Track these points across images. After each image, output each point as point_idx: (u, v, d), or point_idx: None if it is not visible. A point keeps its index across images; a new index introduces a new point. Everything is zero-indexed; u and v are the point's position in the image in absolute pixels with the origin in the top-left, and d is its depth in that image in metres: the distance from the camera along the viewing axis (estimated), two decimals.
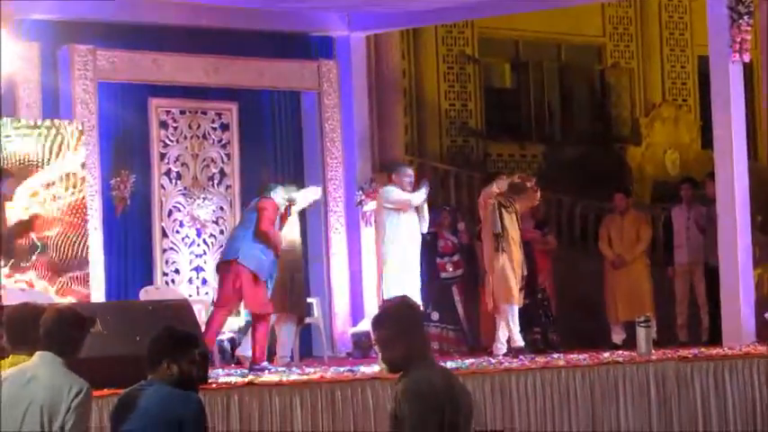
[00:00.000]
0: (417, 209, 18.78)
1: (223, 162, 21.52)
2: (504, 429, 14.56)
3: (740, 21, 19.74)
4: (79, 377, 9.38)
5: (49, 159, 18.56)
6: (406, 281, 18.74)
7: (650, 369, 16.68)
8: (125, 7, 19.63)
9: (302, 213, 20.44)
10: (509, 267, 19.37)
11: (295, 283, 18.55)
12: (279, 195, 18.15)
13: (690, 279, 21.40)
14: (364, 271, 21.29)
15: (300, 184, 21.32)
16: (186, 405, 9.54)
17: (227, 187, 20.65)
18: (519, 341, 18.94)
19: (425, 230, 19.30)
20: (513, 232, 19.46)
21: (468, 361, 18.13)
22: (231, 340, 18.44)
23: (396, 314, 9.05)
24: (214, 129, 21.61)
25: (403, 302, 10.07)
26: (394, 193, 18.79)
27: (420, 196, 18.64)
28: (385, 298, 18.23)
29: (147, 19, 20.24)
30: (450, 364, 17.01)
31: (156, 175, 20.56)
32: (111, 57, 20.35)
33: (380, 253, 19.31)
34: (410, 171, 19.41)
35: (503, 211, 19.53)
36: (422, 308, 13.77)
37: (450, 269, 20.80)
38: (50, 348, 9.46)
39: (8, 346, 10.35)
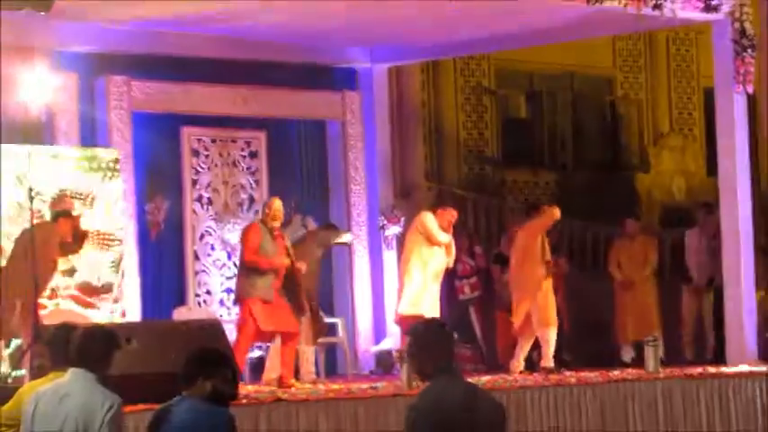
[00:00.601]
0: (447, 246, 18.97)
1: (252, 188, 21.58)
2: None
3: (744, 54, 19.85)
4: (111, 392, 9.51)
5: (85, 186, 18.75)
6: (426, 303, 18.94)
7: (658, 386, 16.81)
8: (159, 40, 19.69)
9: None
10: (551, 292, 19.66)
11: (311, 307, 18.60)
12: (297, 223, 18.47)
13: (699, 299, 21.49)
14: (386, 292, 21.33)
15: (326, 209, 21.65)
16: (218, 420, 9.69)
17: (256, 212, 20.46)
18: (551, 362, 19.12)
19: (451, 265, 19.46)
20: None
21: (485, 378, 18.27)
22: (260, 358, 18.53)
23: (423, 331, 9.17)
24: (243, 156, 21.68)
25: (432, 322, 10.34)
26: (432, 222, 18.87)
27: (447, 238, 18.80)
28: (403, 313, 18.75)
29: (179, 51, 20.28)
30: (480, 377, 17.88)
31: (189, 201, 20.61)
32: (146, 87, 20.42)
33: (404, 273, 19.39)
34: (455, 213, 19.50)
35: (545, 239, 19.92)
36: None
37: (468, 291, 20.88)
38: (82, 365, 9.57)
39: (49, 363, 10.55)
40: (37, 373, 12.68)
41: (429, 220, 18.88)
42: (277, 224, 17.40)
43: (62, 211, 16.82)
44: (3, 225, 16.32)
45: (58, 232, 16.53)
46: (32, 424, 10.01)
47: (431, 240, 18.45)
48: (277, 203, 17.62)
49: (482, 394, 9.29)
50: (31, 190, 15.87)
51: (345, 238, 19.31)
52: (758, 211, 20.38)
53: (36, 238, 15.78)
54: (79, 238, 17.14)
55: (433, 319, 14.19)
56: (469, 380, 12.47)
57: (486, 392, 10.42)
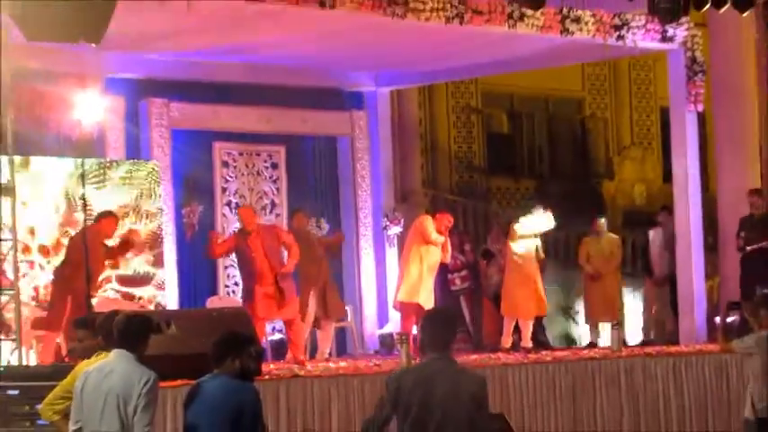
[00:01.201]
0: (443, 245, 18.92)
1: (273, 194, 21.58)
2: (502, 412, 14.66)
3: (695, 78, 19.86)
4: (148, 369, 9.63)
5: (130, 194, 18.79)
6: (423, 293, 18.91)
7: (620, 363, 16.76)
8: (193, 67, 19.70)
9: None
10: (540, 285, 19.86)
11: (327, 294, 18.70)
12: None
13: (659, 289, 21.53)
14: (388, 283, 21.29)
15: (336, 212, 21.71)
16: (245, 393, 9.70)
17: (277, 215, 20.67)
18: (530, 342, 19.32)
19: (447, 261, 19.44)
20: None
21: (474, 356, 18.31)
22: (281, 340, 18.49)
23: (431, 317, 9.96)
24: (266, 167, 21.67)
25: (442, 310, 10.51)
26: (429, 226, 18.78)
27: (441, 239, 18.73)
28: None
29: (210, 77, 20.27)
30: (458, 359, 17.46)
31: (219, 206, 20.60)
32: (182, 108, 20.37)
33: (404, 267, 19.37)
34: (451, 219, 19.44)
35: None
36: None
37: (459, 282, 20.84)
38: (124, 346, 9.72)
39: (103, 344, 10.53)
40: (69, 355, 12.68)
41: (427, 223, 18.86)
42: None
43: (105, 212, 16.73)
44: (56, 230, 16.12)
45: (102, 232, 16.46)
46: (82, 397, 10.01)
47: (427, 240, 18.39)
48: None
49: (465, 371, 9.75)
50: (83, 197, 15.81)
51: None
52: (706, 213, 20.33)
53: (86, 239, 15.74)
54: (124, 245, 17.04)
55: (445, 308, 14.31)
56: (457, 359, 12.56)
57: (470, 369, 10.58)
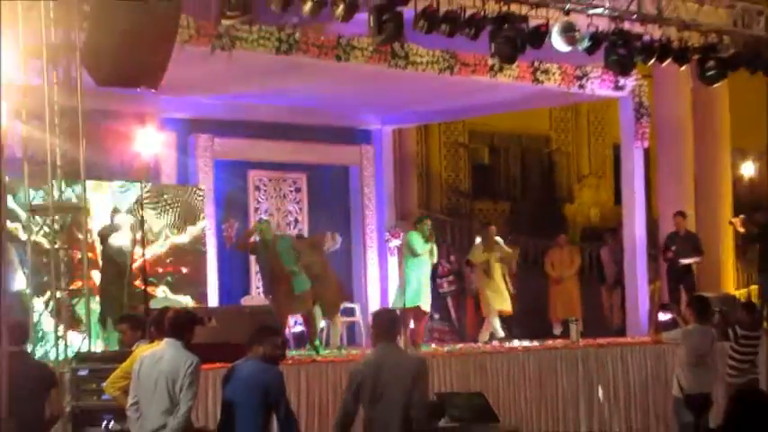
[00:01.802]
0: (431, 249, 18.76)
1: (297, 213, 21.63)
2: (481, 391, 14.64)
3: (642, 119, 19.94)
4: (192, 354, 9.80)
5: (180, 212, 18.84)
6: (423, 298, 18.88)
7: (578, 352, 16.75)
8: (231, 108, 19.72)
9: (347, 248, 21.03)
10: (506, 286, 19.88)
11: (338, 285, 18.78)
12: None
13: (611, 292, 21.70)
14: (389, 285, 21.30)
15: (348, 228, 21.75)
16: (271, 374, 9.90)
17: (300, 230, 20.62)
18: (502, 333, 19.18)
19: (435, 261, 19.26)
20: None
21: (458, 346, 18.49)
22: (302, 332, 18.44)
23: (378, 315, 10.90)
24: (291, 191, 21.70)
25: (387, 310, 10.75)
26: (415, 243, 18.45)
27: (426, 248, 18.43)
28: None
29: (246, 117, 20.29)
30: (445, 348, 17.84)
31: (252, 222, 20.51)
32: (223, 143, 20.42)
33: (403, 278, 19.14)
34: (429, 222, 18.93)
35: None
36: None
37: (446, 286, 20.93)
38: (173, 336, 9.88)
39: (157, 334, 10.56)
40: (119, 345, 12.73)
41: (413, 239, 18.48)
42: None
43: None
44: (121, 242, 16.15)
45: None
46: (138, 377, 10.08)
47: (415, 254, 18.33)
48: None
49: (407, 355, 10.66)
50: (141, 216, 15.78)
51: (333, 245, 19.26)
52: (649, 231, 20.41)
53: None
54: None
55: (389, 309, 14.47)
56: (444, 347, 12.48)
57: (411, 354, 11.80)
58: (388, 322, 10.27)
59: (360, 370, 9.74)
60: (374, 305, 20.91)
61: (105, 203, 17.09)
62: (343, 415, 9.84)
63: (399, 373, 9.48)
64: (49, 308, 10.89)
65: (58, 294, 10.87)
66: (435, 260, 19.06)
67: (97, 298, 14.85)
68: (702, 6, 16.04)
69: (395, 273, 21.03)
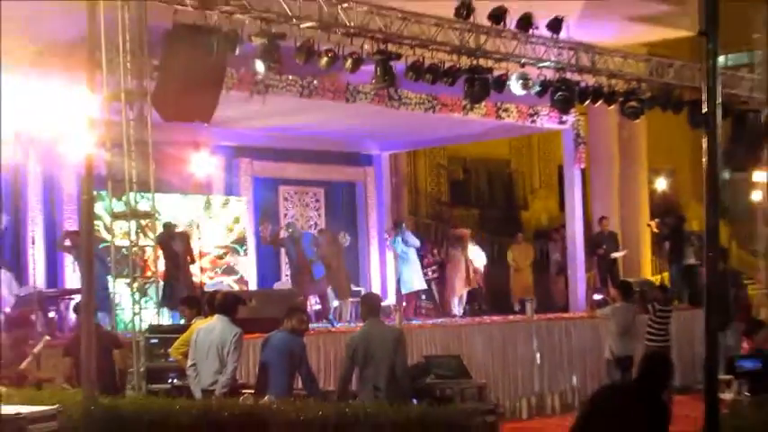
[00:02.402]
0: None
1: (316, 219, 21.61)
2: (459, 355, 14.60)
3: (579, 147, 19.94)
4: (237, 326, 9.98)
5: (226, 217, 18.91)
6: (417, 282, 19.08)
7: (533, 325, 16.68)
8: (267, 137, 19.81)
9: (354, 245, 21.14)
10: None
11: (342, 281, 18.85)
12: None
13: (558, 278, 21.53)
14: (387, 275, 21.33)
15: (355, 230, 21.71)
16: (296, 344, 10.07)
17: (320, 231, 20.26)
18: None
19: (418, 245, 19.71)
20: None
21: (440, 320, 18.47)
22: (319, 309, 18.41)
23: (365, 297, 11.60)
24: (312, 201, 21.74)
25: (369, 293, 10.96)
26: (396, 246, 19.45)
27: (403, 248, 19.25)
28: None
29: (277, 144, 20.37)
30: (430, 322, 17.87)
31: (282, 225, 20.41)
32: (260, 165, 20.54)
33: (398, 269, 19.73)
34: (404, 225, 20.19)
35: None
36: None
37: (430, 274, 20.74)
38: (222, 312, 10.07)
39: (210, 312, 10.58)
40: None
41: (394, 245, 19.73)
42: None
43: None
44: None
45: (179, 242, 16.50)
46: (195, 345, 10.10)
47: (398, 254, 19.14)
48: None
49: (387, 327, 10.79)
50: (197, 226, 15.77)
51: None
52: (586, 232, 20.38)
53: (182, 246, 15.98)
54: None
55: (373, 293, 14.63)
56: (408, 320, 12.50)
57: (390, 326, 11.90)
58: (373, 303, 10.57)
59: (354, 340, 9.94)
60: (375, 288, 20.92)
61: (169, 211, 17.09)
62: (344, 374, 10.07)
63: (383, 342, 9.69)
64: (128, 291, 10.90)
65: (135, 281, 10.88)
66: (418, 244, 19.72)
67: (162, 283, 14.82)
68: (626, 60, 16.06)
69: (391, 263, 21.13)
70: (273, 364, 9.98)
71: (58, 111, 12.92)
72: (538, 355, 16.31)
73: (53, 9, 12.65)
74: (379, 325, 10.10)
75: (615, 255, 20.32)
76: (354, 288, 19.74)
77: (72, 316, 14.93)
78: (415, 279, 19.47)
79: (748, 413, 6.39)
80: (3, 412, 5.76)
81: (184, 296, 13.82)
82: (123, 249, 11.54)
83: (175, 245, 16.13)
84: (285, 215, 21.12)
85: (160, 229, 14.30)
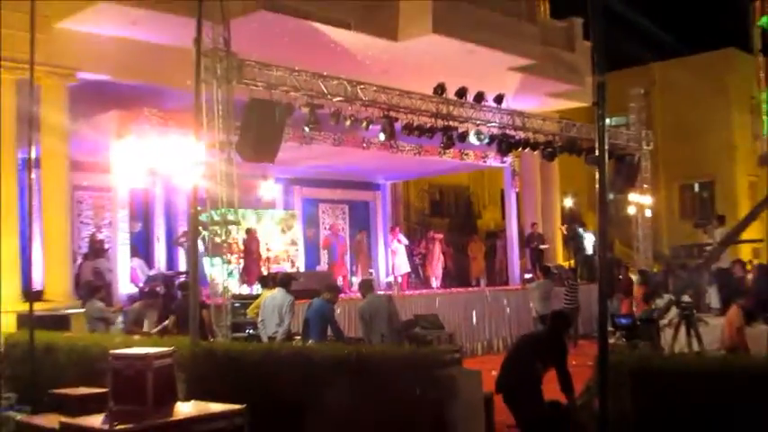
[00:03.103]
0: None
1: (343, 225, 21.46)
2: (436, 314, 14.54)
3: (514, 177, 20.13)
4: (291, 295, 10.03)
5: (282, 225, 18.60)
6: (403, 266, 18.91)
7: (485, 295, 16.61)
8: (311, 171, 19.71)
9: (368, 242, 20.94)
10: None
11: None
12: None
13: (501, 263, 21.30)
14: (388, 264, 20.95)
15: (369, 233, 21.50)
16: (328, 308, 10.05)
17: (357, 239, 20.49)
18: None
19: (407, 243, 19.74)
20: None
21: (424, 291, 18.09)
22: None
23: (362, 282, 11.29)
24: (340, 215, 21.67)
25: (365, 279, 11.10)
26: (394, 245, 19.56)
27: (397, 246, 19.48)
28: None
29: (317, 176, 20.28)
30: (417, 293, 17.32)
31: (321, 230, 20.57)
32: (306, 190, 20.63)
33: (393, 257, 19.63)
34: (398, 229, 20.49)
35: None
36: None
37: (417, 260, 20.73)
38: (282, 286, 10.11)
39: (273, 285, 10.58)
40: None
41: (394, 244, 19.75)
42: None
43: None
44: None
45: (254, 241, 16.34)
46: (263, 307, 10.10)
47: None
48: None
49: (380, 296, 10.57)
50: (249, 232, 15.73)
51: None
52: (520, 232, 20.25)
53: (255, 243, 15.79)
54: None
55: (368, 278, 14.77)
56: (401, 291, 12.42)
57: (382, 294, 11.39)
58: (369, 284, 10.86)
59: (362, 308, 10.15)
60: (382, 272, 20.86)
61: (248, 220, 17.13)
62: (363, 330, 10.08)
63: (380, 306, 9.81)
64: (220, 272, 10.83)
65: (225, 265, 10.83)
66: (407, 242, 19.91)
67: (241, 267, 14.84)
68: (545, 121, 16.10)
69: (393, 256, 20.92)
70: (313, 321, 9.98)
71: (175, 154, 12.97)
72: (488, 314, 16.15)
73: (174, 90, 12.76)
74: (375, 296, 10.24)
75: (542, 247, 20.10)
76: (370, 270, 19.72)
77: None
78: (403, 265, 19.47)
79: (624, 351, 6.38)
80: (138, 352, 5.71)
81: (260, 276, 13.98)
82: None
83: (252, 242, 16.15)
84: (323, 223, 21.10)
85: (243, 233, 14.32)
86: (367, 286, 10.52)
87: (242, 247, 14.96)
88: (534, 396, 6.76)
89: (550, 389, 7.04)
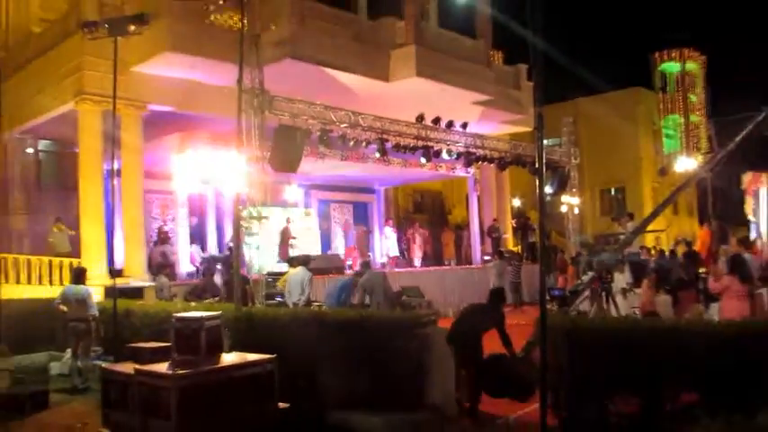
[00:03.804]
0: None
1: (350, 220, 21.22)
2: (417, 286, 14.47)
3: (476, 185, 19.71)
4: (309, 272, 9.73)
5: (305, 222, 18.20)
6: (392, 251, 18.77)
7: (459, 272, 16.56)
8: (325, 180, 19.35)
9: (368, 232, 20.47)
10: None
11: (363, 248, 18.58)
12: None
13: (467, 247, 21.04)
14: (383, 250, 20.69)
15: (368, 225, 21.17)
16: (347, 280, 9.73)
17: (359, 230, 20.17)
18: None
19: (396, 234, 19.45)
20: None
21: (409, 269, 17.80)
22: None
23: (363, 263, 10.80)
24: (347, 212, 21.35)
25: (365, 260, 10.97)
26: (389, 232, 19.01)
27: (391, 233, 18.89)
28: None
29: (329, 183, 19.89)
30: (404, 270, 16.96)
31: (333, 225, 20.29)
32: (321, 193, 20.49)
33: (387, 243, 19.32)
34: (391, 222, 19.80)
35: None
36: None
37: (403, 246, 20.36)
38: (302, 265, 9.81)
39: (297, 264, 10.39)
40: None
41: (387, 231, 19.16)
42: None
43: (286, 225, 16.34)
44: (278, 236, 15.73)
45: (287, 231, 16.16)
46: (289, 281, 9.96)
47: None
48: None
49: (377, 272, 10.33)
50: (288, 220, 15.58)
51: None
52: (481, 225, 20.00)
53: (287, 234, 15.61)
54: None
55: (367, 259, 13.94)
56: (393, 269, 12.30)
57: (378, 271, 11.12)
58: (368, 263, 10.81)
59: (363, 282, 9.97)
60: (377, 255, 20.69)
61: (277, 216, 16.94)
62: (360, 299, 9.87)
63: (377, 280, 9.69)
64: (256, 254, 10.75)
65: (257, 247, 10.76)
66: (396, 234, 19.30)
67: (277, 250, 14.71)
68: (499, 142, 16.04)
69: (385, 243, 20.58)
70: (331, 294, 9.97)
71: (222, 166, 12.89)
72: (456, 286, 16.00)
73: (221, 117, 12.68)
74: (373, 273, 10.13)
75: (504, 236, 19.70)
76: (369, 254, 19.49)
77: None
78: (393, 249, 19.24)
79: (556, 316, 6.36)
80: (194, 315, 5.68)
81: (287, 258, 13.78)
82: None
83: (286, 232, 16.08)
84: (333, 218, 20.87)
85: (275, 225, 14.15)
86: (366, 264, 10.48)
87: (279, 237, 14.96)
88: (476, 348, 6.62)
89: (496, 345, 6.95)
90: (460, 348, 6.49)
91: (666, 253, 15.09)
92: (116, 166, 9.01)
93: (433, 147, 14.19)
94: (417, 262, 19.59)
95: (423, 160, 14.47)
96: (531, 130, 18.84)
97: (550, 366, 4.55)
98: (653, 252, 16.69)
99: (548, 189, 17.33)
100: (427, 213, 25.76)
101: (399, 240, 20.11)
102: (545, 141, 4.11)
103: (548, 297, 11.14)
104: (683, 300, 8.72)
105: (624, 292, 10.64)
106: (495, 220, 20.13)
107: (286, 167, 11.46)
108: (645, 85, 30.24)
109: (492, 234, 19.81)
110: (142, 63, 12.39)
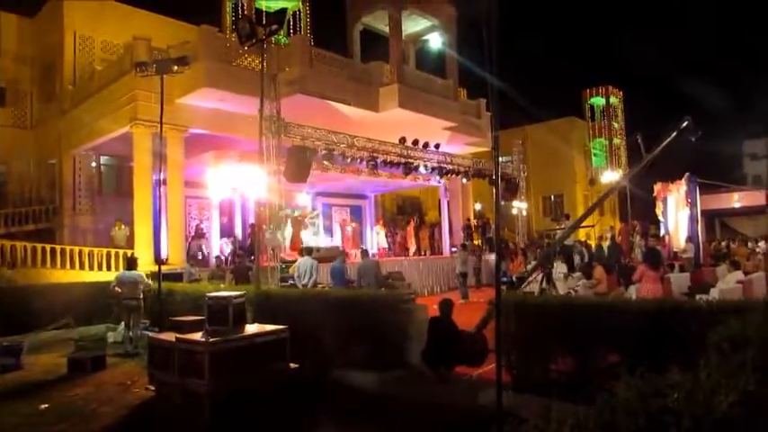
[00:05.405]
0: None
1: (348, 220, 20.63)
2: (401, 271, 14.34)
3: (446, 192, 19.32)
4: (314, 260, 9.31)
5: (312, 221, 17.61)
6: (381, 243, 18.53)
7: (431, 260, 16.30)
8: (327, 186, 19.03)
9: (362, 229, 19.97)
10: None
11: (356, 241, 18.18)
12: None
13: (438, 240, 20.70)
14: (375, 243, 20.45)
15: (361, 223, 20.76)
16: (343, 267, 9.33)
17: (352, 228, 19.52)
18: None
19: (384, 231, 19.03)
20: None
21: (400, 258, 17.63)
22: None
23: (362, 251, 10.14)
24: (345, 213, 20.78)
25: (363, 249, 10.69)
26: (378, 228, 18.58)
27: (379, 229, 18.46)
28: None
29: (331, 190, 19.59)
30: (391, 259, 16.57)
31: (334, 223, 20.09)
32: (325, 198, 19.78)
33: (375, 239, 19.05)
34: (381, 221, 19.14)
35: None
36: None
37: (389, 240, 20.12)
38: (308, 254, 9.48)
39: (306, 254, 9.94)
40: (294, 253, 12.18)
41: (377, 228, 18.77)
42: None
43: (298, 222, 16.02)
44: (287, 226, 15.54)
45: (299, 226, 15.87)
46: (298, 268, 9.75)
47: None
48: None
49: (370, 260, 9.60)
50: (299, 218, 15.29)
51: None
52: (450, 225, 19.74)
53: (298, 228, 15.44)
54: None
55: (365, 249, 13.40)
56: (380, 258, 12.18)
57: (372, 259, 10.25)
58: (366, 251, 10.31)
59: (359, 268, 9.52)
60: (369, 245, 20.47)
61: (289, 216, 16.68)
62: (357, 282, 9.51)
63: (370, 267, 9.38)
64: (279, 244, 10.53)
65: (279, 241, 10.60)
66: (384, 231, 18.88)
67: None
68: (464, 158, 15.96)
69: (375, 238, 20.29)
70: (334, 274, 9.85)
71: (247, 178, 12.77)
72: (431, 271, 15.85)
73: (247, 139, 12.58)
74: (367, 260, 9.90)
75: (481, 228, 19.40)
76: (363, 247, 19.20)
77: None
78: (382, 242, 19.08)
79: (508, 294, 6.35)
80: (223, 294, 5.61)
81: (301, 248, 13.56)
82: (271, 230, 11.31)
83: (296, 227, 15.90)
84: (334, 218, 20.48)
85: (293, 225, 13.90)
86: (363, 253, 10.34)
87: (292, 230, 14.79)
88: (455, 338, 6.47)
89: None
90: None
91: (593, 246, 15.17)
92: (162, 177, 8.97)
93: (412, 163, 14.17)
94: (412, 250, 19.17)
95: (404, 173, 14.42)
96: (489, 150, 18.85)
97: (504, 335, 4.53)
98: (590, 243, 16.80)
99: (502, 196, 17.32)
100: (409, 215, 25.34)
101: (386, 236, 19.94)
102: (500, 159, 4.14)
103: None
104: (607, 282, 8.77)
105: (565, 276, 10.66)
106: (468, 220, 20.04)
107: (297, 179, 11.39)
108: (578, 115, 30.98)
109: (466, 231, 19.43)
110: (184, 96, 12.68)
